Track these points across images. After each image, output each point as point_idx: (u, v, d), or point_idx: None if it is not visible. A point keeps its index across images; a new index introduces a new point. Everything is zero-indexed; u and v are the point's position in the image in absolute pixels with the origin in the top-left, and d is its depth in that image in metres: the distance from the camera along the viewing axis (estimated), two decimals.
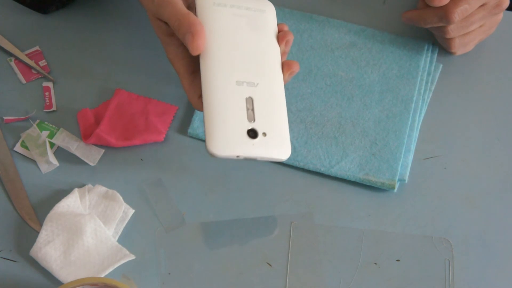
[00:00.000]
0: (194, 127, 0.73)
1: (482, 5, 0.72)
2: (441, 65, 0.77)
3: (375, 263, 0.67)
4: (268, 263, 0.67)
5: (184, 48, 0.67)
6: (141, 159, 0.72)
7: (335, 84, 0.75)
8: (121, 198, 0.69)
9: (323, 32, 0.78)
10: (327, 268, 0.67)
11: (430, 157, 0.72)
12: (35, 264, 0.66)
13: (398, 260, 0.67)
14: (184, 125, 0.74)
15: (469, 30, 0.74)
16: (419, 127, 0.73)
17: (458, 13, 0.70)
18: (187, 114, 0.74)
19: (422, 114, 0.74)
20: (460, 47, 0.75)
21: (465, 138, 0.74)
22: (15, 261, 0.67)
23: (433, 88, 0.76)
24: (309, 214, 0.69)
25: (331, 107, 0.74)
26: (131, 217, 0.69)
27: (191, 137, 0.73)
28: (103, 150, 0.72)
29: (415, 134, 0.73)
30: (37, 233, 0.67)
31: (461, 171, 0.72)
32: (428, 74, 0.76)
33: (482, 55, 0.79)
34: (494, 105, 0.76)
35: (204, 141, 0.63)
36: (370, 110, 0.74)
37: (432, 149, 0.73)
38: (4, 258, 0.67)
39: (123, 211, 0.68)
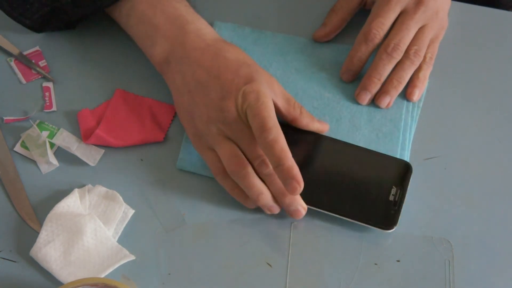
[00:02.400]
0: (182, 160, 0.71)
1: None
2: (428, 81, 0.76)
3: (375, 264, 0.67)
4: (268, 263, 0.67)
5: None
6: (141, 159, 0.72)
7: (323, 106, 0.74)
8: (121, 198, 0.69)
9: (306, 53, 0.77)
10: (327, 268, 0.67)
11: (430, 158, 0.72)
12: (35, 265, 0.66)
13: (398, 261, 0.67)
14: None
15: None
16: (410, 146, 0.73)
17: (375, 28, 0.72)
18: None
19: (412, 132, 0.73)
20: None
21: (465, 139, 0.74)
22: (15, 262, 0.67)
23: (421, 105, 0.75)
24: (309, 214, 0.69)
25: None
26: (131, 217, 0.69)
27: (181, 170, 0.71)
28: (103, 150, 0.72)
29: (407, 153, 0.72)
30: (37, 233, 0.67)
31: (461, 172, 0.72)
32: None
33: (482, 55, 0.79)
34: (494, 105, 0.76)
35: (194, 173, 0.69)
36: (359, 131, 0.73)
37: (432, 149, 0.73)
38: (4, 259, 0.67)
39: (123, 211, 0.68)
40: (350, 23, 0.79)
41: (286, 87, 0.75)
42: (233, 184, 0.67)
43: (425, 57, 0.74)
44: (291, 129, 0.72)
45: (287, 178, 0.63)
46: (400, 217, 0.67)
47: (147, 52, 0.73)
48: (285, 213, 0.69)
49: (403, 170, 0.70)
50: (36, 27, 0.77)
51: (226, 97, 0.66)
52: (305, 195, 0.68)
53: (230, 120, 0.66)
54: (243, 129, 0.66)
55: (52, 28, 0.77)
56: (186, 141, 0.72)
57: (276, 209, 0.67)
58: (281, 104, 0.69)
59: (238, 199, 0.68)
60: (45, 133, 0.73)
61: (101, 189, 0.69)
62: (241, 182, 0.66)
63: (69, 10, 0.73)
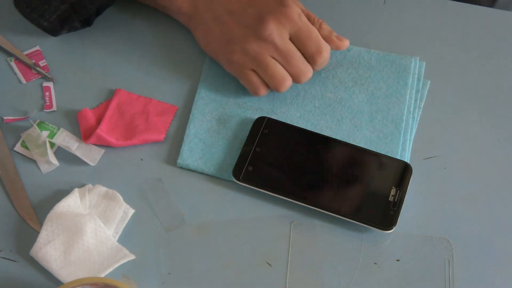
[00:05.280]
0: (184, 157, 0.71)
1: None
2: (429, 82, 0.76)
3: (375, 263, 0.67)
4: (268, 263, 0.67)
5: None
6: (141, 159, 0.72)
7: (324, 106, 0.75)
8: (121, 198, 0.69)
9: None
10: (327, 268, 0.67)
11: (430, 157, 0.72)
12: (35, 264, 0.66)
13: (398, 260, 0.67)
14: (184, 125, 0.74)
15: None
16: (410, 146, 0.73)
17: None
18: (187, 114, 0.74)
19: (413, 133, 0.73)
20: None
21: (465, 138, 0.74)
22: (15, 261, 0.67)
23: (422, 105, 0.75)
24: (309, 214, 0.69)
25: (321, 130, 0.73)
26: (131, 217, 0.69)
27: (181, 168, 0.72)
28: (103, 150, 0.72)
29: (407, 154, 0.72)
30: (37, 233, 0.67)
31: (461, 171, 0.72)
32: (417, 91, 0.75)
33: (482, 55, 0.79)
34: (493, 105, 0.76)
35: (194, 171, 0.69)
36: (360, 132, 0.73)
37: (432, 149, 0.73)
38: (5, 258, 0.67)
39: (123, 211, 0.68)
40: (351, 24, 0.79)
41: None
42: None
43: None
44: (293, 129, 0.72)
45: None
46: (399, 217, 0.67)
47: (171, 8, 0.77)
48: (285, 213, 0.69)
49: (403, 171, 0.70)
50: (53, 29, 0.77)
51: (265, 20, 0.70)
52: (305, 195, 0.68)
53: (274, 41, 0.70)
54: (290, 49, 0.71)
55: (68, 28, 0.78)
56: (187, 138, 0.72)
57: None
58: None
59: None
60: (45, 133, 0.73)
61: (101, 189, 0.69)
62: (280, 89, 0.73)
63: (87, 3, 0.74)
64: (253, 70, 0.72)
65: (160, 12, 0.79)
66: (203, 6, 0.74)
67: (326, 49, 0.72)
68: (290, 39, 0.71)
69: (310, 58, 0.72)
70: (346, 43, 0.74)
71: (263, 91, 0.73)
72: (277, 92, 0.74)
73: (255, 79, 0.72)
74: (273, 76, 0.71)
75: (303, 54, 0.72)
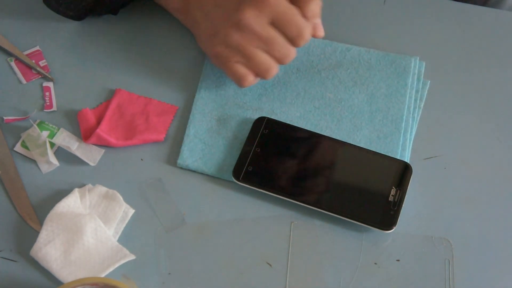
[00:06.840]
0: (184, 157, 0.71)
1: None
2: (429, 82, 0.76)
3: (375, 263, 0.67)
4: (268, 263, 0.67)
5: None
6: (141, 159, 0.72)
7: (324, 106, 0.75)
8: (121, 198, 0.69)
9: (308, 52, 0.77)
10: (327, 268, 0.67)
11: (430, 157, 0.72)
12: (36, 264, 0.66)
13: (398, 260, 0.67)
14: (184, 126, 0.74)
15: None
16: (410, 146, 0.73)
17: None
18: (187, 114, 0.74)
19: (413, 133, 0.73)
20: None
21: (465, 138, 0.74)
22: (15, 261, 0.67)
23: (422, 105, 0.75)
24: (309, 214, 0.69)
25: (321, 130, 0.73)
26: (131, 217, 0.69)
27: (181, 168, 0.72)
28: (103, 150, 0.72)
29: (407, 154, 0.72)
30: (37, 233, 0.67)
31: (461, 171, 0.72)
32: (417, 91, 0.75)
33: (482, 55, 0.79)
34: (494, 105, 0.76)
35: (194, 172, 0.68)
36: (360, 132, 0.73)
37: (432, 149, 0.73)
38: (5, 258, 0.67)
39: (123, 211, 0.68)
40: (351, 24, 0.79)
41: (288, 86, 0.75)
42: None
43: None
44: (293, 129, 0.72)
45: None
46: (399, 217, 0.67)
47: (161, 3, 0.77)
48: (285, 213, 0.69)
49: (403, 171, 0.70)
50: (78, 17, 0.79)
51: (242, 8, 0.68)
52: (305, 195, 0.68)
53: (253, 29, 0.68)
54: (270, 35, 0.69)
55: (93, 15, 0.79)
56: (187, 138, 0.72)
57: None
58: None
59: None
60: (45, 133, 0.73)
61: (101, 189, 0.69)
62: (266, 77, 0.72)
63: None
64: (238, 62, 0.71)
65: (160, 12, 0.79)
66: (194, 3, 0.73)
67: (307, 31, 0.70)
68: (271, 23, 0.70)
69: (292, 41, 0.70)
70: (321, 34, 0.72)
71: (246, 83, 0.72)
72: (265, 80, 0.73)
73: (239, 70, 0.71)
74: (258, 66, 0.71)
75: (285, 36, 0.70)
